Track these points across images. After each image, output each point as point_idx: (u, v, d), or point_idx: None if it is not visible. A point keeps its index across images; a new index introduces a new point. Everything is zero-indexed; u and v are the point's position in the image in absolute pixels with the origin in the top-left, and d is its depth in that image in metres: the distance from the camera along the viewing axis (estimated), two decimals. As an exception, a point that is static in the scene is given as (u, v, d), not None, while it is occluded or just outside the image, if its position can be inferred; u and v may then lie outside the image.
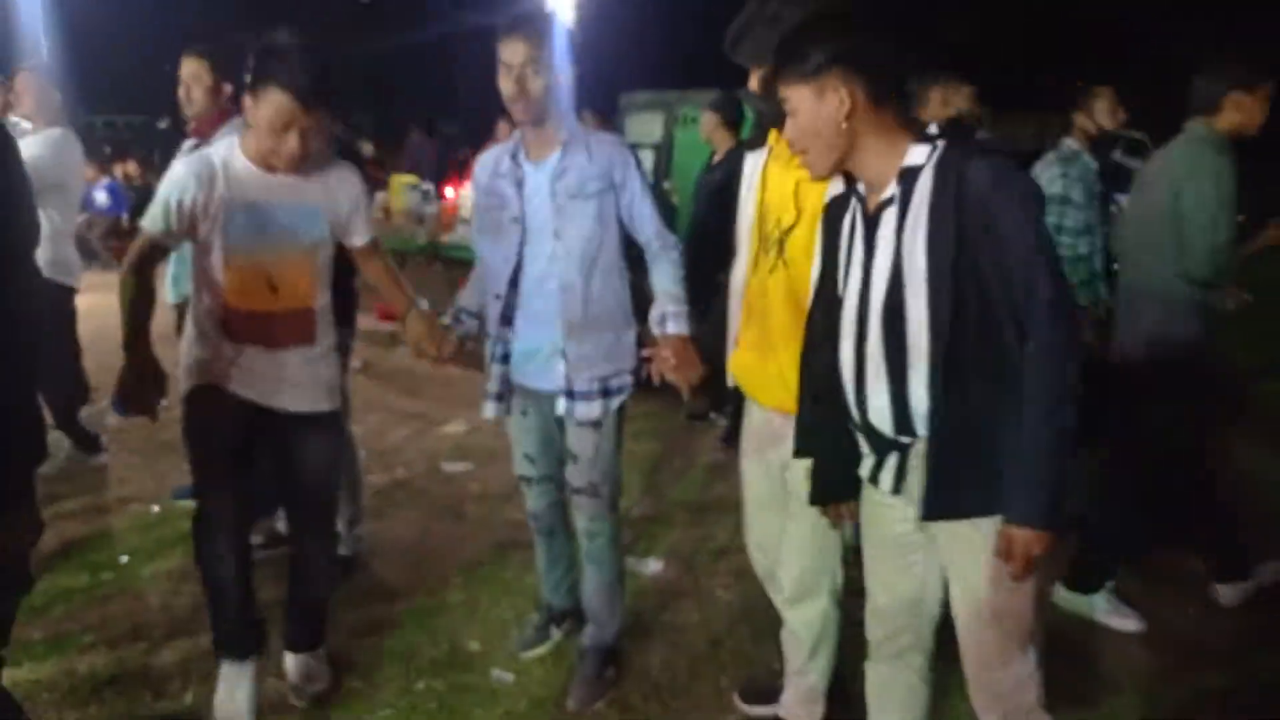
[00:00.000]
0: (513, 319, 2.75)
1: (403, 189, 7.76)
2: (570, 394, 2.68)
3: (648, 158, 9.47)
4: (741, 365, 2.49)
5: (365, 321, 7.14)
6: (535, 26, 2.50)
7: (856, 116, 1.75)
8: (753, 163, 2.43)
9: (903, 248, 1.77)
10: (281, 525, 3.71)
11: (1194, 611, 3.41)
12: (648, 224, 2.68)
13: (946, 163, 1.73)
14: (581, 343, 2.65)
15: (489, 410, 2.87)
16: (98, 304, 4.51)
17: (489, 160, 2.78)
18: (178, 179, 2.43)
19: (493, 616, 3.33)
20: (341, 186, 2.62)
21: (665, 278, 2.70)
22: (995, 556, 1.79)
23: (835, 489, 2.11)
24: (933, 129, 1.80)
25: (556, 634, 3.11)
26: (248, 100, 2.39)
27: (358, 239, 2.71)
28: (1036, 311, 1.69)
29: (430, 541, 3.92)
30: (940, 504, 1.84)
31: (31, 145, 4.02)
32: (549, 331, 2.68)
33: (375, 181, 8.32)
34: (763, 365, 2.37)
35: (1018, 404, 1.72)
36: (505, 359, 2.81)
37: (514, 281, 2.71)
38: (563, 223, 2.61)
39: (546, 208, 2.62)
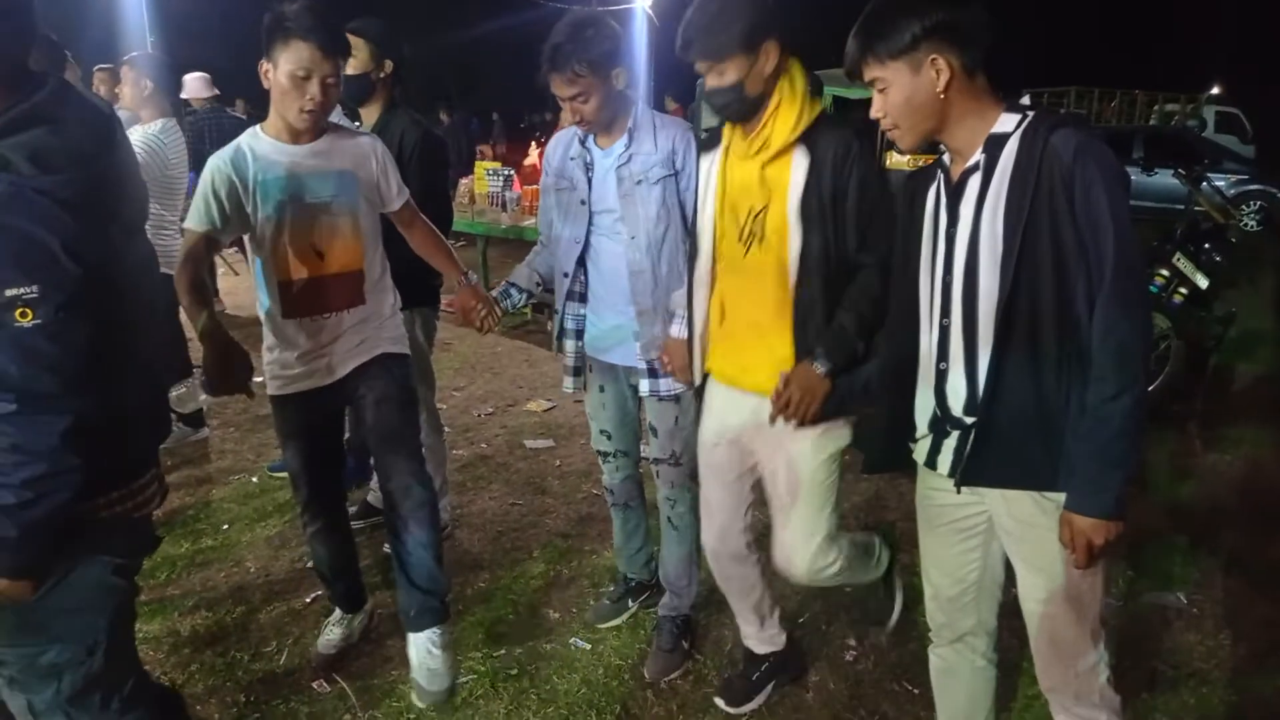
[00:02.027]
0: (585, 296, 2.84)
1: (485, 174, 7.89)
2: (653, 372, 2.74)
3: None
4: (721, 356, 2.48)
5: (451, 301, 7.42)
6: (569, 58, 2.47)
7: (952, 87, 1.74)
8: (707, 163, 2.44)
9: (983, 215, 1.75)
10: (373, 496, 3.86)
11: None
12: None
13: (1034, 130, 1.71)
14: (654, 324, 2.69)
15: (568, 385, 2.97)
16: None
17: (562, 141, 2.83)
18: (212, 170, 2.49)
19: (572, 587, 3.41)
20: (366, 150, 2.67)
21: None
22: (1059, 542, 1.77)
23: (892, 457, 2.11)
24: (1025, 99, 1.77)
25: (633, 606, 3.18)
26: (265, 66, 2.44)
27: (395, 202, 2.77)
28: (1107, 285, 1.65)
29: (513, 515, 4.03)
30: (988, 473, 1.83)
31: (146, 137, 4.17)
32: (622, 312, 2.74)
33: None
34: (750, 349, 2.38)
35: (1086, 382, 1.70)
36: (578, 335, 2.88)
37: (581, 261, 2.79)
38: (628, 208, 2.65)
39: (612, 193, 2.67)
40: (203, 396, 4.82)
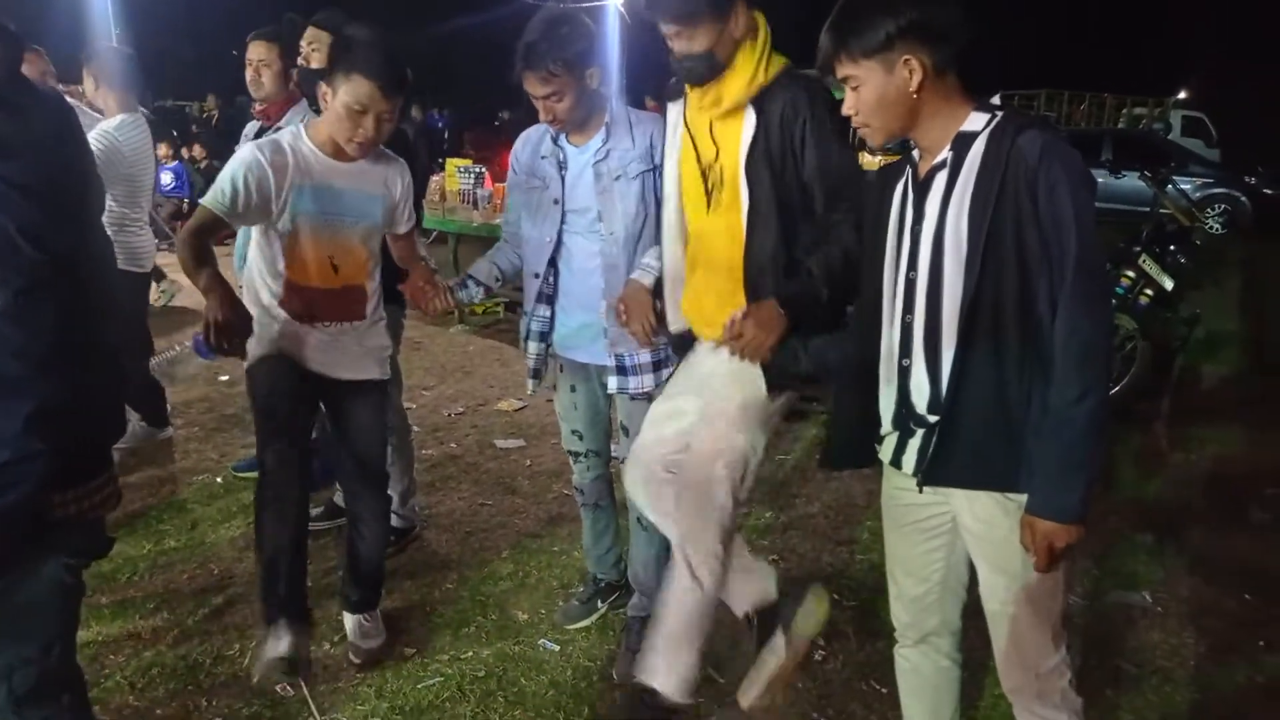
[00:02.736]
0: (554, 297, 2.81)
1: (456, 171, 7.85)
2: (621, 369, 2.72)
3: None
4: (699, 310, 2.43)
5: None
6: (544, 56, 2.44)
7: (925, 87, 1.74)
8: (674, 113, 2.43)
9: (948, 212, 1.76)
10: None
11: (1249, 596, 3.36)
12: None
13: (1001, 130, 1.71)
14: None
15: (530, 386, 2.96)
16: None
17: (531, 139, 2.80)
18: (249, 161, 2.50)
19: (541, 588, 3.39)
20: (395, 178, 2.75)
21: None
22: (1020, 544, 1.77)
23: (855, 454, 2.10)
24: (995, 100, 1.77)
25: (602, 606, 3.16)
26: (325, 87, 2.50)
27: (402, 227, 2.86)
28: (1069, 285, 1.65)
29: (482, 515, 4.00)
30: (951, 472, 1.82)
31: (101, 133, 4.09)
32: (594, 310, 2.71)
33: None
34: (723, 309, 2.28)
35: (1049, 382, 1.69)
36: (542, 336, 2.86)
37: (553, 261, 2.75)
38: (606, 204, 2.63)
39: (589, 190, 2.64)
40: (197, 361, 4.70)
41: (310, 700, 2.73)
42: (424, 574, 3.47)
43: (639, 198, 2.63)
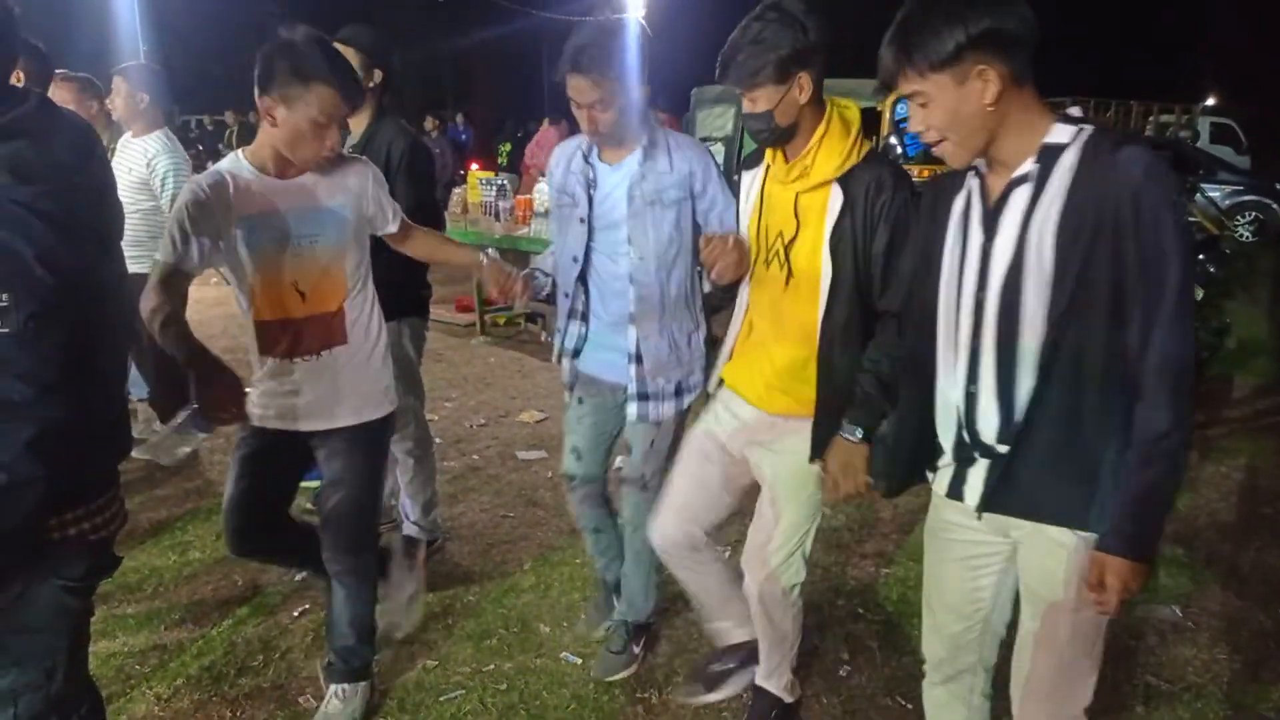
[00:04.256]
0: (585, 315, 2.77)
1: (479, 183, 7.88)
2: (644, 396, 2.67)
3: (719, 152, 9.47)
4: (747, 380, 2.47)
5: (442, 313, 7.40)
6: (596, 61, 2.40)
7: (1002, 98, 1.62)
8: (749, 179, 2.44)
9: (1030, 230, 1.63)
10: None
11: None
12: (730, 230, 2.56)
13: (1096, 145, 1.59)
14: (658, 347, 2.63)
15: (569, 401, 2.92)
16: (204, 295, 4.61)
17: (564, 156, 2.77)
18: (188, 199, 2.31)
19: (563, 601, 3.38)
20: (355, 177, 2.50)
21: None
22: (1085, 584, 1.69)
23: (910, 477, 2.02)
24: (1076, 112, 1.69)
25: (618, 604, 3.10)
26: (271, 105, 2.27)
27: (389, 226, 2.63)
28: (1166, 317, 1.55)
29: (504, 527, 3.99)
30: (1017, 502, 1.73)
31: (134, 153, 4.17)
32: (621, 332, 2.67)
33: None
34: (755, 362, 2.42)
35: (1129, 418, 1.60)
36: (576, 354, 2.82)
37: (582, 279, 2.72)
38: (638, 228, 2.57)
39: (621, 211, 2.58)
40: (197, 438, 4.74)
41: (333, 712, 2.73)
42: (445, 586, 3.46)
43: (674, 225, 2.57)
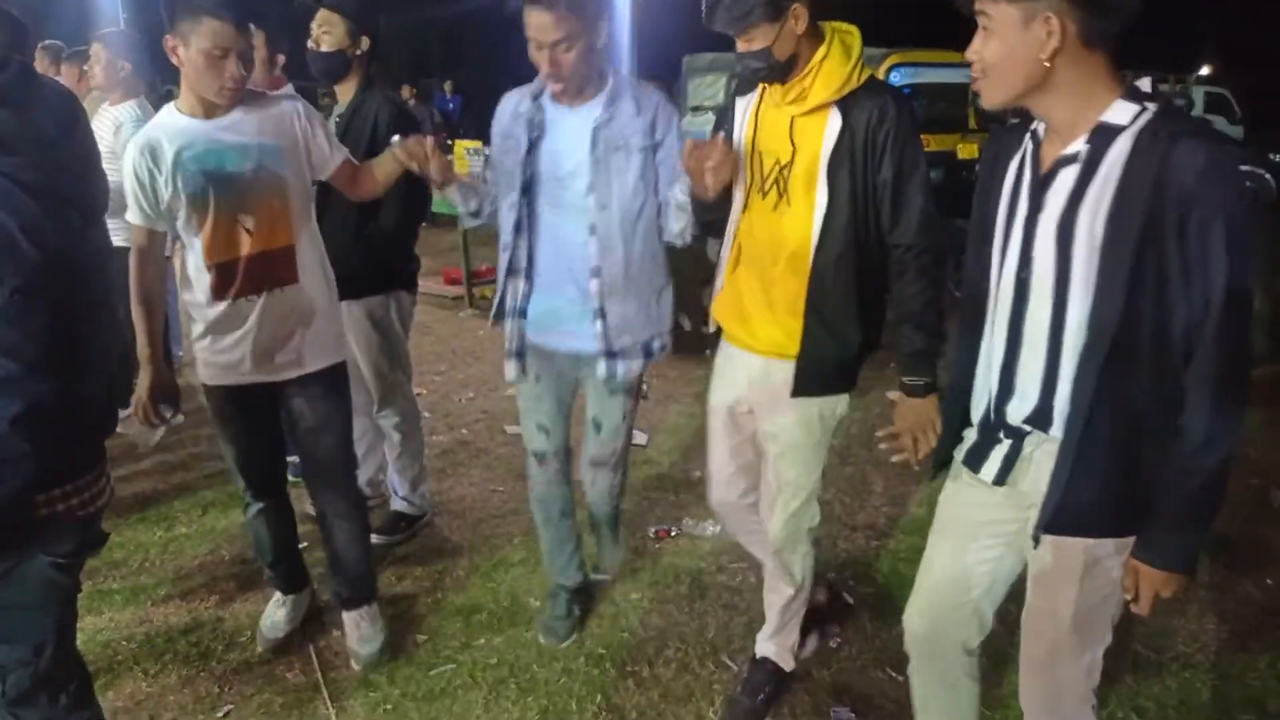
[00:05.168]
0: (527, 273, 2.60)
1: (465, 153, 7.79)
2: (611, 353, 2.55)
3: (710, 121, 9.37)
4: (737, 309, 2.42)
5: (430, 285, 7.33)
6: None
7: (1062, 55, 1.48)
8: (743, 105, 2.37)
9: (1078, 216, 1.53)
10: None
11: (1270, 582, 3.31)
12: (678, 184, 2.45)
13: (1154, 131, 1.46)
14: (625, 304, 2.52)
15: (510, 371, 2.72)
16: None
17: (510, 101, 2.60)
18: (131, 158, 2.41)
19: (552, 575, 3.36)
20: (289, 114, 2.53)
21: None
22: (1122, 589, 1.66)
23: (950, 447, 1.93)
24: (1145, 86, 1.56)
25: (578, 612, 3.03)
26: (173, 43, 2.32)
27: (332, 164, 2.62)
28: (1205, 334, 1.46)
29: (493, 501, 3.97)
30: (1068, 519, 1.64)
31: (106, 122, 4.08)
32: (575, 289, 2.52)
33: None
34: (755, 307, 2.36)
35: (1176, 424, 1.53)
36: (521, 314, 2.64)
37: (519, 229, 2.55)
38: (601, 176, 2.42)
39: (583, 157, 2.42)
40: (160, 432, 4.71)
41: (323, 686, 2.73)
42: (435, 561, 3.45)
43: (639, 174, 2.44)
